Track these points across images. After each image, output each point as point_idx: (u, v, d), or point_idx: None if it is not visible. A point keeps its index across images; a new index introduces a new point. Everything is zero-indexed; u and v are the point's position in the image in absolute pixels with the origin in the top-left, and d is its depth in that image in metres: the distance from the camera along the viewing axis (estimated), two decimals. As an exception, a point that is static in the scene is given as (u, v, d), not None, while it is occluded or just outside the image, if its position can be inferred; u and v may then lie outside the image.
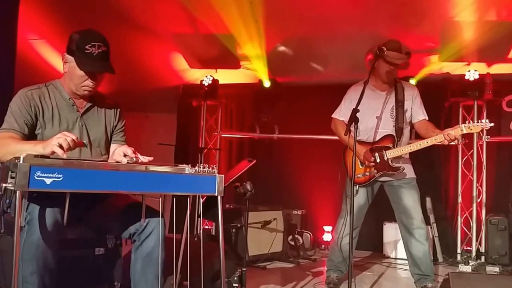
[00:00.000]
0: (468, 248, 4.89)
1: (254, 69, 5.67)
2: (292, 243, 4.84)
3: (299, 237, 4.96)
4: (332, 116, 3.62)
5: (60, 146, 1.88)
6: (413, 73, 5.13)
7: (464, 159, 5.08)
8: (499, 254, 4.53)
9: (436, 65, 5.22)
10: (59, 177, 1.71)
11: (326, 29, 4.79)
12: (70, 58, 2.26)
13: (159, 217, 2.16)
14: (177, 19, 4.94)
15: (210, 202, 2.23)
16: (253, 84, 5.88)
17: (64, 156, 1.87)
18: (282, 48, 5.25)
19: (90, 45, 2.19)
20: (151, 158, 2.14)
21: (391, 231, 4.91)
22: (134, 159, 2.12)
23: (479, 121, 3.20)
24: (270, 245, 4.46)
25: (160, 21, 4.90)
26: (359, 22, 4.58)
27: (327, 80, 5.50)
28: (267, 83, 5.64)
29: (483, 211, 4.92)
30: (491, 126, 3.19)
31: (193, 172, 2.09)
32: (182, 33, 5.26)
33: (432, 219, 4.82)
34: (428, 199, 4.85)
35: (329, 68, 5.48)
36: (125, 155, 2.15)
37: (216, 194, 2.13)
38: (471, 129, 3.16)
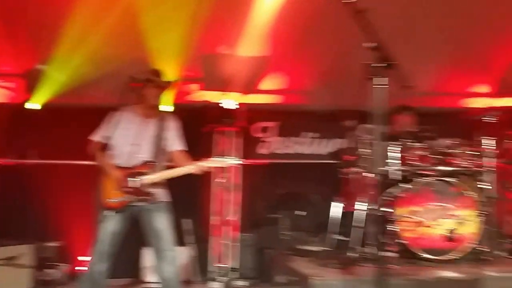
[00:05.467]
0: (222, 265, 5.21)
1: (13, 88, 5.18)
2: (44, 278, 4.41)
3: (51, 271, 4.54)
4: (90, 138, 3.52)
5: None
6: (176, 100, 5.31)
7: (219, 180, 5.41)
8: (248, 269, 4.96)
9: (197, 93, 5.53)
10: None
11: (91, 50, 4.62)
12: None
13: None
14: None
15: None
16: (6, 104, 5.30)
17: None
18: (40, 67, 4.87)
19: None
20: None
21: (149, 256, 4.87)
22: None
23: (229, 157, 3.52)
24: (13, 283, 3.95)
25: None
26: (125, 45, 4.58)
27: (90, 103, 5.24)
28: (37, 105, 5.12)
29: (235, 230, 5.29)
30: (239, 159, 3.54)
31: None
32: None
33: (189, 240, 5.00)
34: (185, 221, 5.01)
35: (92, 91, 5.24)
36: None
37: None
38: (220, 163, 3.44)
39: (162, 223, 3.45)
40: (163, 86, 3.57)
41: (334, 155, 5.52)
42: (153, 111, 3.57)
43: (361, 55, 2.42)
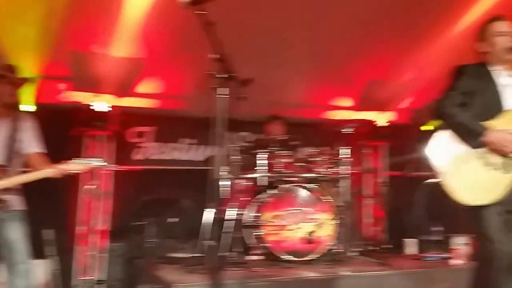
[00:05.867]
0: (88, 277, 4.94)
1: None
2: None
3: None
4: None
5: None
6: (41, 100, 4.94)
7: (88, 187, 5.15)
8: (117, 280, 4.77)
9: (66, 93, 5.21)
10: None
11: None
12: None
13: None
14: None
15: None
16: None
17: None
18: None
19: None
20: None
21: (2, 271, 4.45)
22: None
23: (94, 159, 3.33)
24: None
25: None
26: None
27: None
28: None
29: (104, 240, 5.07)
30: (105, 165, 3.36)
31: None
32: None
33: (51, 252, 4.66)
34: (47, 231, 4.67)
35: None
36: None
37: None
38: (83, 166, 3.22)
39: (14, 233, 3.20)
40: (18, 83, 3.31)
41: (210, 161, 5.57)
42: (5, 110, 3.29)
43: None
